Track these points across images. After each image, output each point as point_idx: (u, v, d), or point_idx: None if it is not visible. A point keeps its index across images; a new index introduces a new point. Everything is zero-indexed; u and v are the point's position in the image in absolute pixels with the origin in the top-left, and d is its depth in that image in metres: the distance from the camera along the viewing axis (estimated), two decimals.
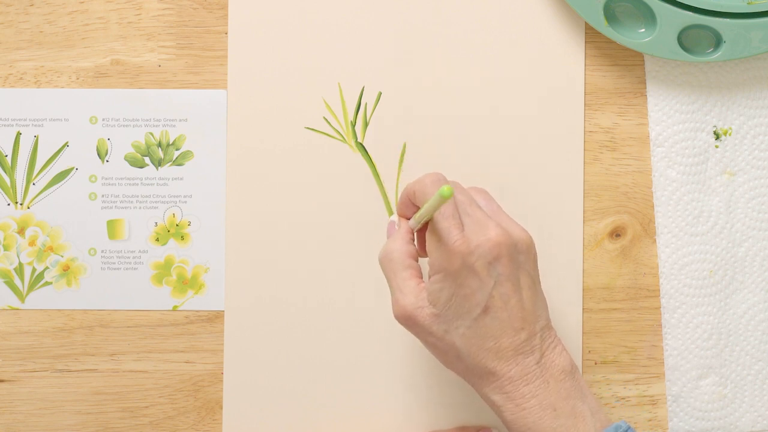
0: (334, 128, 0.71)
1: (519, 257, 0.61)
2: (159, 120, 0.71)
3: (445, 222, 0.60)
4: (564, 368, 0.61)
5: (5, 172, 0.71)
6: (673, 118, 0.71)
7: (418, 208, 0.63)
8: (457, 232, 0.59)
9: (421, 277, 0.63)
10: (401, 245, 0.63)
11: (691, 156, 0.71)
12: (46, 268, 0.71)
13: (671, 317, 0.72)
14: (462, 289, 0.59)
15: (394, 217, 0.66)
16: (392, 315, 0.62)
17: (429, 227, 0.61)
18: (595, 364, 0.72)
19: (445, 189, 0.55)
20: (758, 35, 0.68)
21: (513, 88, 0.71)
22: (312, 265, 0.71)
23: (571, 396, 0.61)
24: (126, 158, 0.71)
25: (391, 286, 0.62)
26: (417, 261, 0.63)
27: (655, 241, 0.72)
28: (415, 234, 0.65)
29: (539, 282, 0.63)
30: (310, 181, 0.71)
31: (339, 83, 0.71)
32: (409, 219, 0.65)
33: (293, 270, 0.71)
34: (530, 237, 0.62)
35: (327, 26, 0.71)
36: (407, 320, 0.61)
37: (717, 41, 0.69)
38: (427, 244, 0.61)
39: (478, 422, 0.71)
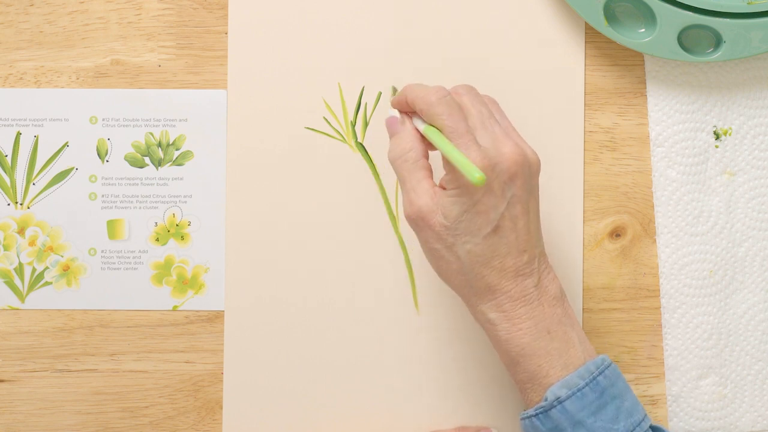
0: (334, 128, 0.71)
1: (532, 181, 0.61)
2: (159, 120, 0.71)
3: (462, 139, 0.59)
4: (556, 295, 0.62)
5: (5, 172, 0.71)
6: (673, 118, 0.71)
7: (415, 113, 0.63)
8: (476, 149, 0.59)
9: (433, 178, 0.62)
10: (416, 144, 0.62)
11: (691, 156, 0.71)
12: (46, 268, 0.71)
13: (671, 317, 0.72)
14: (476, 207, 0.59)
15: (396, 113, 0.64)
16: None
17: (448, 143, 0.60)
18: None
19: (478, 177, 0.55)
20: (758, 35, 0.68)
21: (513, 87, 0.71)
22: (312, 264, 0.71)
23: (563, 322, 0.61)
24: (126, 158, 0.71)
25: (404, 186, 0.61)
26: (428, 160, 0.62)
27: (655, 241, 0.72)
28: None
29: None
30: (310, 181, 0.71)
31: (339, 83, 0.71)
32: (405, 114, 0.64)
33: (293, 270, 0.71)
34: (539, 159, 0.62)
35: (327, 26, 0.71)
36: (420, 221, 0.60)
37: (717, 41, 0.69)
38: (444, 159, 0.60)
39: (478, 422, 0.71)
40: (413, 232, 0.68)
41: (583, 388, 0.59)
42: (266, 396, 0.71)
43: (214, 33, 0.71)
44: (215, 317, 0.72)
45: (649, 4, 0.68)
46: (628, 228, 0.72)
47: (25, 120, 0.71)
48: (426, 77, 0.71)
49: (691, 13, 0.68)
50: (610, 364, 0.61)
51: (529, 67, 0.71)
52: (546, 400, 0.59)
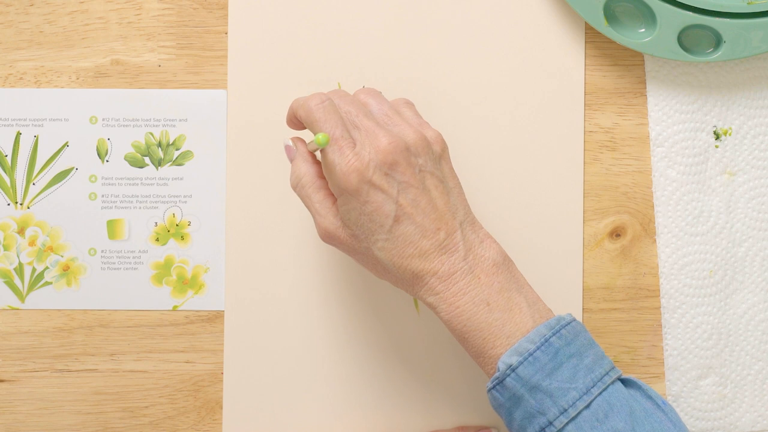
0: None
1: (417, 160, 0.60)
2: (159, 120, 0.71)
3: (335, 145, 0.59)
4: (495, 261, 0.61)
5: (5, 172, 0.71)
6: (673, 118, 0.71)
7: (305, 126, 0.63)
8: (348, 152, 0.59)
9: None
10: (307, 167, 0.63)
11: (691, 156, 0.71)
12: (46, 268, 0.71)
13: (671, 317, 0.72)
14: (367, 206, 0.59)
15: (288, 140, 0.65)
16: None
17: (321, 152, 0.60)
18: None
19: (320, 137, 0.55)
20: (758, 35, 0.68)
21: (513, 88, 0.71)
22: (312, 264, 0.71)
23: (505, 289, 0.60)
24: (126, 158, 0.71)
25: (310, 211, 0.62)
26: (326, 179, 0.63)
27: (655, 241, 0.72)
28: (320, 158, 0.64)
29: (452, 177, 0.62)
30: None
31: (339, 83, 0.71)
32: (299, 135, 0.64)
33: (293, 270, 0.71)
34: (425, 135, 0.61)
35: (327, 26, 0.71)
36: (332, 240, 0.62)
37: (717, 41, 0.69)
38: (323, 170, 0.61)
39: (478, 422, 0.71)
40: None
41: (534, 351, 0.58)
42: (266, 396, 0.71)
43: (214, 33, 0.71)
44: (215, 317, 0.72)
45: (649, 4, 0.68)
46: (628, 228, 0.72)
47: (25, 120, 0.71)
48: (426, 77, 0.71)
49: (691, 13, 0.68)
50: (568, 323, 0.59)
51: (529, 67, 0.71)
52: (499, 370, 0.59)
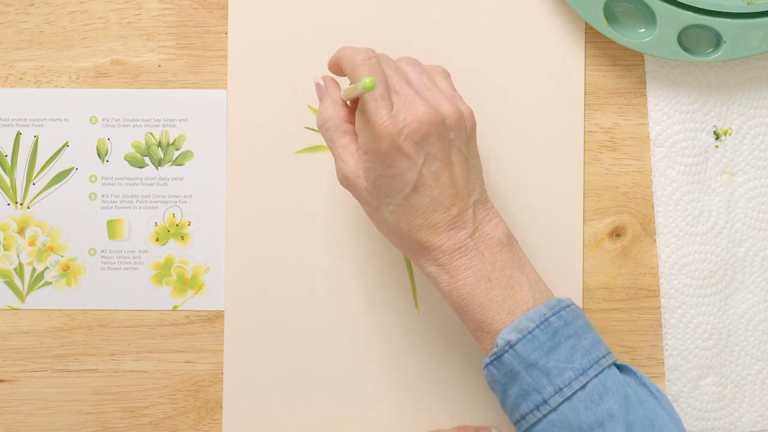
0: None
1: (449, 134, 0.60)
2: (159, 120, 0.71)
3: (373, 103, 0.59)
4: (500, 240, 0.61)
5: (5, 172, 0.71)
6: (673, 118, 0.71)
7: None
8: (385, 114, 0.59)
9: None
10: (335, 110, 0.62)
11: (691, 156, 0.71)
12: (46, 268, 0.71)
13: (671, 317, 0.72)
14: (390, 170, 0.59)
15: (319, 78, 0.64)
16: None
17: (358, 106, 0.60)
18: None
19: (367, 81, 0.55)
20: (758, 35, 0.68)
21: (513, 87, 0.71)
22: (312, 264, 0.71)
23: (507, 267, 0.60)
24: (126, 158, 0.71)
25: (333, 153, 0.62)
26: (353, 124, 0.62)
27: (655, 241, 0.72)
28: (349, 104, 0.64)
29: (475, 156, 0.62)
30: (310, 181, 0.71)
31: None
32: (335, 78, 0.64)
33: (293, 270, 0.71)
34: (461, 110, 0.61)
35: (327, 26, 0.71)
36: (348, 186, 0.62)
37: (717, 41, 0.69)
38: (356, 123, 0.61)
39: (478, 422, 0.71)
40: None
41: (533, 330, 0.58)
42: (266, 396, 0.71)
43: (214, 33, 0.71)
44: (215, 317, 0.72)
45: (649, 4, 0.68)
46: (628, 228, 0.72)
47: (25, 120, 0.71)
48: None
49: (691, 13, 0.68)
50: (568, 306, 0.60)
51: (529, 68, 0.71)
52: (497, 346, 0.59)
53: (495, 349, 0.59)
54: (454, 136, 0.60)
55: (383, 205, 0.60)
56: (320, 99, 0.64)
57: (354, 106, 0.63)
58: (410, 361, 0.71)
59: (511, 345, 0.59)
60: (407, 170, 0.59)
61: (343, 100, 0.63)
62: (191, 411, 0.72)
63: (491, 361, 0.60)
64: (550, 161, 0.71)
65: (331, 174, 0.71)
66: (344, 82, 0.64)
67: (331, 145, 0.62)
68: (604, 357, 0.60)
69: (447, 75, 0.64)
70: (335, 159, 0.62)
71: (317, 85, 0.64)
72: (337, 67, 0.63)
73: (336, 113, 0.62)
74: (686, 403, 0.71)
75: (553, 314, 0.59)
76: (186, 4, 0.71)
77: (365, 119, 0.59)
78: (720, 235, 0.72)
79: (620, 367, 0.61)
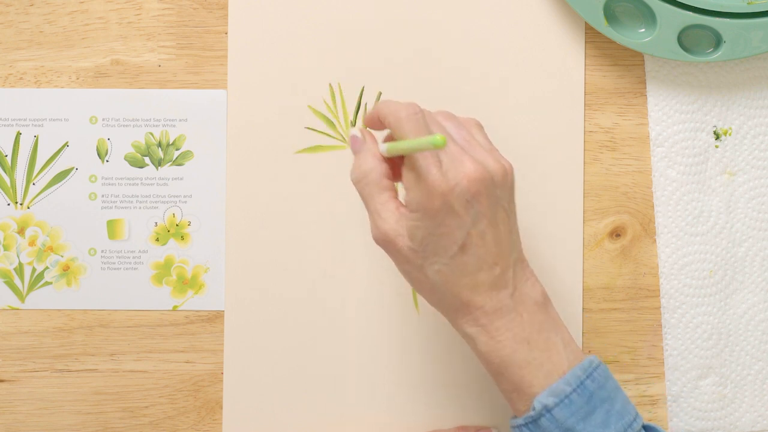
0: (334, 128, 0.71)
1: (496, 192, 0.59)
2: (159, 120, 0.71)
3: (424, 160, 0.57)
4: (537, 300, 0.61)
5: (5, 172, 0.71)
6: (673, 118, 0.71)
7: (386, 131, 0.61)
8: (436, 171, 0.57)
9: (398, 198, 0.60)
10: (376, 164, 0.60)
11: (691, 156, 0.71)
12: (46, 268, 0.71)
13: (671, 317, 0.72)
14: (440, 228, 0.58)
15: (356, 131, 0.62)
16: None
17: (407, 162, 0.59)
18: None
19: (438, 139, 0.52)
20: (758, 35, 0.68)
21: (513, 87, 0.71)
22: (312, 264, 0.71)
23: (544, 329, 0.60)
24: (126, 158, 0.71)
25: (369, 209, 0.60)
26: (392, 180, 0.61)
27: (655, 241, 0.72)
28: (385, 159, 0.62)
29: (515, 213, 0.61)
30: (310, 182, 0.71)
31: (339, 83, 0.71)
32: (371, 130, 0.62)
33: (293, 270, 0.71)
34: (504, 167, 0.60)
35: (327, 26, 0.71)
36: (387, 244, 0.60)
37: (717, 41, 0.69)
38: (404, 179, 0.59)
39: (478, 422, 0.71)
40: None
41: (570, 394, 0.58)
42: (266, 396, 0.71)
43: (214, 33, 0.71)
44: (215, 317, 0.72)
45: (649, 4, 0.68)
46: (628, 228, 0.72)
47: (25, 120, 0.71)
48: (426, 77, 0.71)
49: (691, 13, 0.68)
50: (598, 366, 0.60)
51: (529, 68, 0.71)
52: (534, 409, 0.59)
53: (532, 413, 0.59)
54: (500, 193, 0.59)
55: (428, 264, 0.59)
56: (356, 152, 0.62)
57: (392, 162, 0.61)
58: (410, 361, 0.71)
59: (548, 409, 0.58)
60: (456, 229, 0.58)
61: (381, 155, 0.61)
62: (191, 411, 0.72)
63: (526, 423, 0.59)
64: (550, 161, 0.71)
65: (331, 174, 0.71)
66: (379, 135, 0.62)
67: (368, 201, 0.60)
68: (635, 420, 0.60)
69: (481, 128, 0.63)
70: (372, 215, 0.60)
71: (353, 137, 0.62)
72: (376, 122, 0.61)
73: (376, 168, 0.60)
74: (686, 403, 0.71)
75: (587, 377, 0.59)
76: (186, 4, 0.71)
77: (416, 176, 0.58)
78: (720, 235, 0.72)
79: (646, 428, 0.62)
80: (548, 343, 0.60)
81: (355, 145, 0.62)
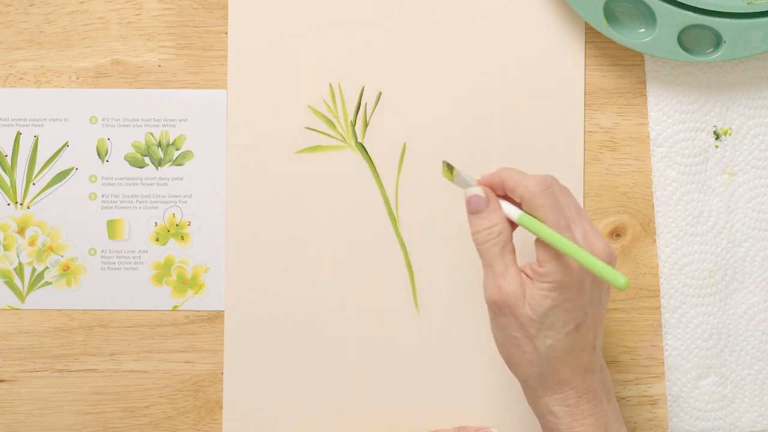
0: (334, 128, 0.71)
1: None
2: (159, 120, 0.71)
3: (564, 234, 0.58)
4: (609, 390, 0.62)
5: (5, 172, 0.71)
6: (673, 118, 0.71)
7: (506, 195, 0.61)
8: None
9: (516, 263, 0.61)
10: (505, 226, 0.60)
11: (691, 156, 0.71)
12: (46, 268, 0.71)
13: (671, 317, 0.72)
14: (567, 303, 0.58)
15: (478, 190, 0.61)
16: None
17: (553, 237, 0.58)
18: None
19: (624, 282, 0.53)
20: (758, 35, 0.68)
21: (513, 88, 0.71)
22: (312, 264, 0.71)
23: (614, 418, 0.61)
24: (126, 158, 0.71)
25: (491, 269, 0.60)
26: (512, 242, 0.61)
27: (655, 241, 0.72)
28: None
29: None
30: (310, 182, 0.71)
31: (339, 83, 0.71)
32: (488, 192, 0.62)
33: (293, 270, 0.71)
34: (612, 250, 0.60)
35: (327, 26, 0.71)
36: (505, 307, 0.59)
37: (717, 41, 0.69)
38: (539, 251, 0.59)
39: (479, 423, 0.71)
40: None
41: None
42: (266, 396, 0.71)
43: (214, 33, 0.71)
44: (215, 317, 0.72)
45: (649, 4, 0.68)
46: (628, 228, 0.72)
47: (25, 120, 0.71)
48: (426, 77, 0.71)
49: (691, 13, 0.68)
50: None
51: (529, 68, 0.71)
52: None
53: None
54: None
55: (541, 336, 0.59)
56: (478, 211, 0.61)
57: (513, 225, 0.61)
58: (410, 361, 0.71)
59: None
60: (580, 307, 0.58)
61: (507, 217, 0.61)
62: (191, 411, 0.72)
63: None
64: (550, 161, 0.71)
65: (331, 174, 0.71)
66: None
67: (493, 260, 0.60)
68: None
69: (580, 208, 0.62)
70: (496, 276, 0.59)
71: (476, 196, 0.61)
72: (496, 187, 0.61)
73: (506, 230, 0.60)
74: (686, 403, 0.71)
75: None
76: (186, 4, 0.71)
77: (556, 251, 0.58)
78: (720, 235, 0.72)
79: None
80: None
81: (479, 205, 0.61)
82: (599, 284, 0.60)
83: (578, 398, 0.60)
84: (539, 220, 0.59)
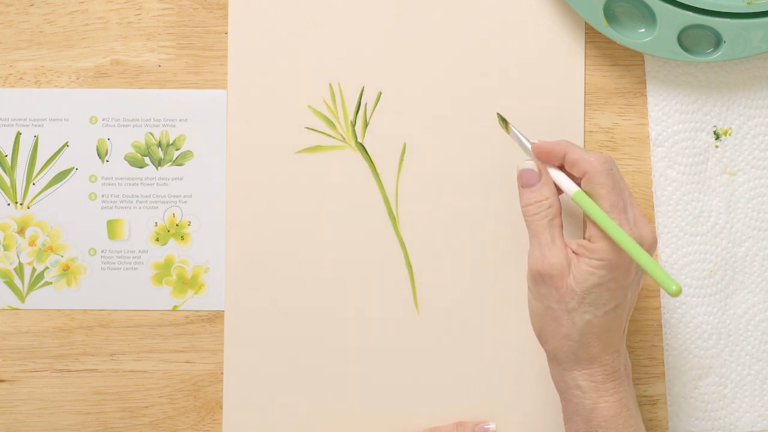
0: (334, 128, 0.71)
1: None
2: (159, 120, 0.71)
3: (620, 215, 0.59)
4: (630, 374, 0.63)
5: (5, 172, 0.71)
6: (673, 118, 0.71)
7: (562, 166, 0.62)
8: (627, 229, 0.59)
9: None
10: (556, 200, 0.61)
11: (691, 156, 0.71)
12: (46, 268, 0.71)
13: (671, 317, 0.72)
14: (612, 283, 0.59)
15: (531, 165, 0.62)
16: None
17: (603, 218, 0.60)
18: None
19: (676, 289, 0.55)
20: (758, 35, 0.68)
21: (513, 88, 0.71)
22: (312, 264, 0.71)
23: (634, 400, 0.63)
24: (126, 158, 0.71)
25: (537, 239, 0.61)
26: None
27: None
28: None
29: None
30: (309, 182, 0.71)
31: (339, 83, 0.71)
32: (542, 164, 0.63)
33: (293, 270, 0.71)
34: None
35: (327, 26, 0.71)
36: (548, 278, 0.60)
37: (717, 41, 0.69)
38: (591, 229, 0.60)
39: (476, 419, 0.71)
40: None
41: None
42: (266, 396, 0.71)
43: (214, 33, 0.71)
44: (215, 317, 0.72)
45: (649, 4, 0.68)
46: None
47: (25, 120, 0.71)
48: (426, 77, 0.71)
49: (691, 13, 0.68)
50: None
51: (529, 68, 0.71)
52: None
53: None
54: None
55: (581, 311, 0.60)
56: (531, 184, 0.62)
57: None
58: (410, 361, 0.71)
59: None
60: (622, 288, 0.60)
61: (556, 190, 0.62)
62: (191, 411, 0.72)
63: None
64: None
65: (331, 174, 0.71)
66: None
67: (541, 232, 0.61)
68: None
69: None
70: (541, 246, 0.61)
71: (530, 170, 0.62)
72: (552, 156, 0.62)
73: (556, 203, 0.61)
74: (686, 403, 0.71)
75: None
76: (186, 4, 0.71)
77: (616, 230, 0.59)
78: (720, 235, 0.72)
79: None
80: (639, 414, 0.62)
81: (530, 179, 0.62)
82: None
83: (605, 376, 0.61)
84: (599, 196, 0.60)
